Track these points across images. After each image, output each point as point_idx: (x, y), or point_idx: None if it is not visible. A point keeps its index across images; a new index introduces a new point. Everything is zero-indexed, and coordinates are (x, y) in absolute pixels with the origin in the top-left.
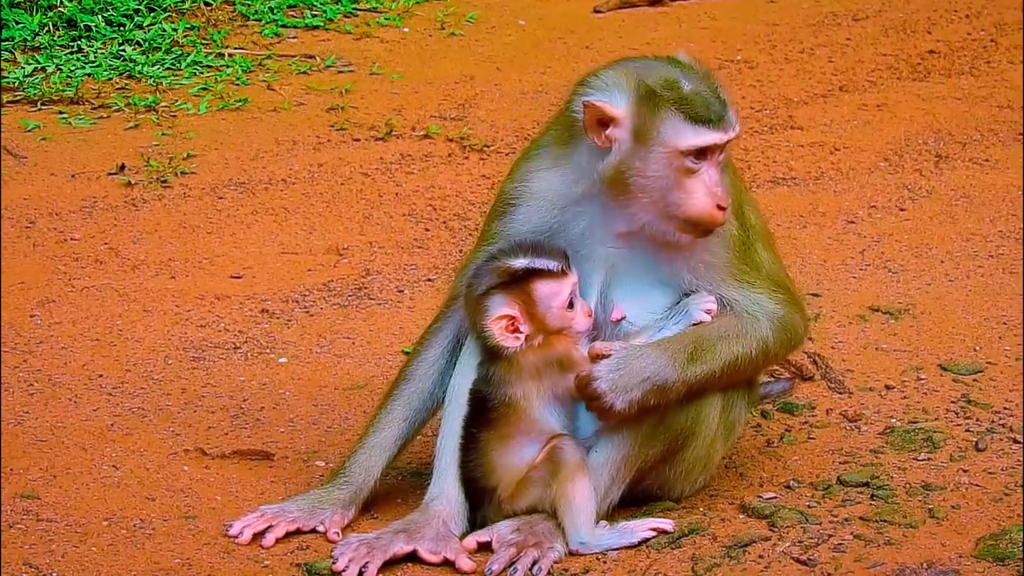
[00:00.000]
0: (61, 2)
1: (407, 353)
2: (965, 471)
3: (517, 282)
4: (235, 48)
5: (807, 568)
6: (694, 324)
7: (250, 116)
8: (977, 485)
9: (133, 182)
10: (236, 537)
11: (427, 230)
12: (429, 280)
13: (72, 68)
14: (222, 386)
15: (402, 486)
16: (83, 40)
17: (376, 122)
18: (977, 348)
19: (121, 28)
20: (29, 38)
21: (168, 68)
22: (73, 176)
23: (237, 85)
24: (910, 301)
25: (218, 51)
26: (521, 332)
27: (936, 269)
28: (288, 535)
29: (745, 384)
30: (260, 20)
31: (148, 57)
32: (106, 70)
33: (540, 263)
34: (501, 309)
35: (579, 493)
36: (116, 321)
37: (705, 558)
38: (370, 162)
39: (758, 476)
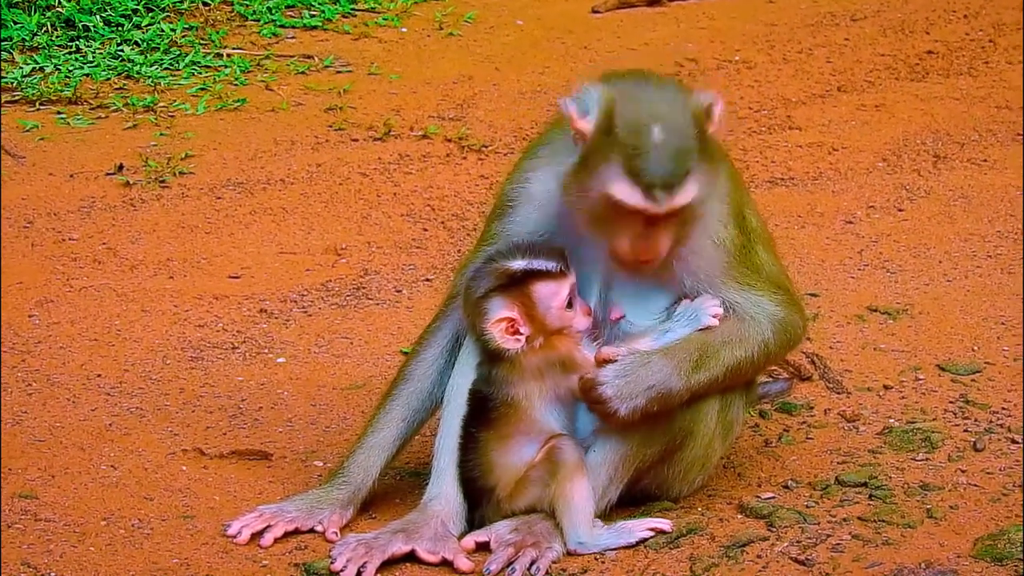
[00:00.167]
0: (59, 2)
1: (405, 353)
2: (963, 471)
3: (516, 284)
4: (233, 48)
5: (805, 568)
6: (701, 328)
7: (248, 116)
8: (975, 485)
9: (131, 182)
10: (234, 537)
11: (425, 230)
12: (427, 280)
13: (70, 68)
14: (220, 386)
15: (400, 486)
16: (81, 40)
17: (374, 122)
18: (975, 348)
19: (119, 28)
20: (27, 38)
21: (166, 68)
22: (71, 176)
23: (235, 85)
24: (908, 301)
25: (216, 51)
26: (521, 334)
27: (934, 269)
28: (286, 535)
29: (744, 384)
30: (258, 20)
31: (146, 57)
32: (104, 70)
33: (538, 264)
34: (501, 311)
35: (577, 493)
36: (114, 321)
37: (703, 558)
38: (368, 162)
39: (756, 476)
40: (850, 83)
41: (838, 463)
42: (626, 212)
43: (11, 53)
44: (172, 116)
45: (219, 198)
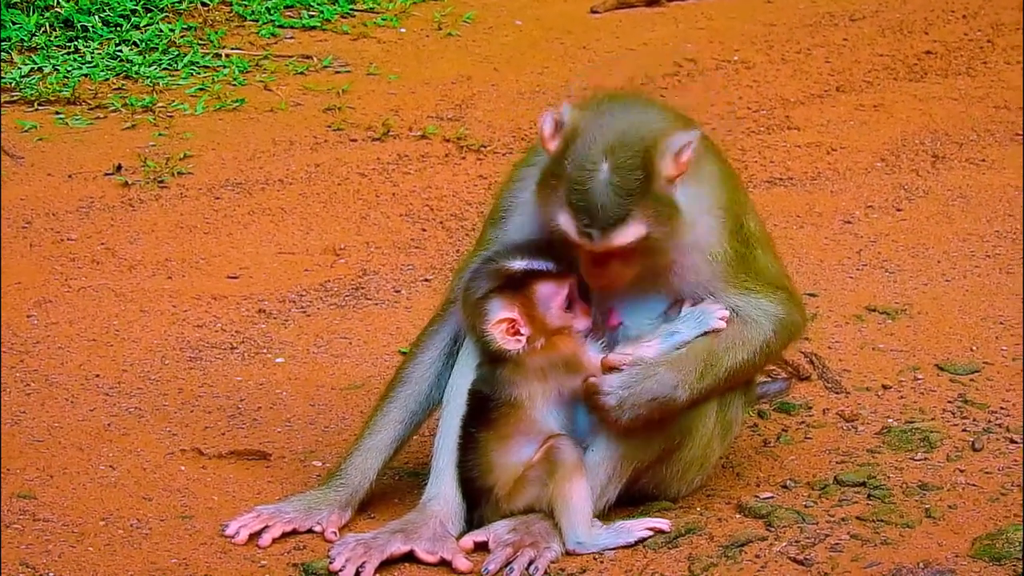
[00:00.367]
0: (58, 2)
1: (404, 353)
2: (962, 471)
3: (515, 284)
4: (232, 48)
5: (804, 568)
6: (708, 331)
7: (247, 116)
8: (974, 485)
9: (130, 182)
10: (233, 537)
11: (424, 230)
12: (426, 280)
13: (69, 68)
14: (219, 386)
15: (399, 486)
16: (80, 40)
17: (373, 122)
18: (974, 348)
19: (118, 28)
20: (26, 38)
21: (165, 68)
22: (70, 176)
23: (234, 85)
24: (907, 301)
25: (215, 51)
26: (522, 334)
27: (933, 269)
28: (285, 535)
29: (743, 384)
30: (257, 20)
31: (145, 57)
32: (103, 70)
33: (538, 264)
34: (501, 312)
35: (576, 493)
36: (113, 321)
37: (702, 558)
38: (367, 162)
39: (755, 476)
40: (848, 83)
41: (837, 463)
42: (571, 241)
43: (10, 53)
44: (171, 116)
45: (218, 198)
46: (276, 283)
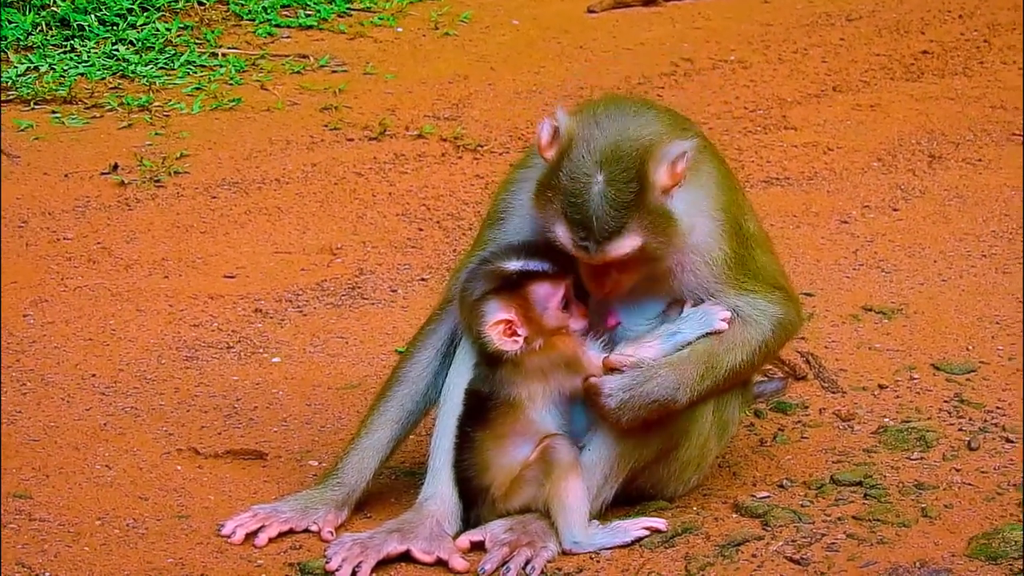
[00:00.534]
0: (54, 1)
1: (400, 353)
2: (958, 470)
3: (512, 285)
4: (229, 48)
5: (800, 567)
6: (710, 331)
7: (243, 116)
8: (970, 484)
9: (126, 182)
10: (229, 537)
11: (421, 230)
12: (423, 280)
13: (65, 67)
14: (215, 386)
15: (396, 485)
16: (76, 39)
17: (370, 122)
18: (970, 348)
19: (114, 27)
20: (22, 37)
21: (161, 68)
22: (66, 175)
23: (231, 85)
24: (903, 301)
25: (212, 51)
26: (519, 335)
27: (929, 269)
28: (281, 535)
29: (740, 384)
30: (254, 20)
31: (141, 57)
32: (99, 69)
33: (534, 265)
34: (498, 314)
35: (572, 492)
36: (109, 321)
37: (698, 557)
38: (364, 162)
39: (751, 475)
40: (845, 83)
41: (833, 462)
42: (569, 251)
43: (6, 52)
44: (167, 116)
45: (214, 198)
46: (272, 282)
